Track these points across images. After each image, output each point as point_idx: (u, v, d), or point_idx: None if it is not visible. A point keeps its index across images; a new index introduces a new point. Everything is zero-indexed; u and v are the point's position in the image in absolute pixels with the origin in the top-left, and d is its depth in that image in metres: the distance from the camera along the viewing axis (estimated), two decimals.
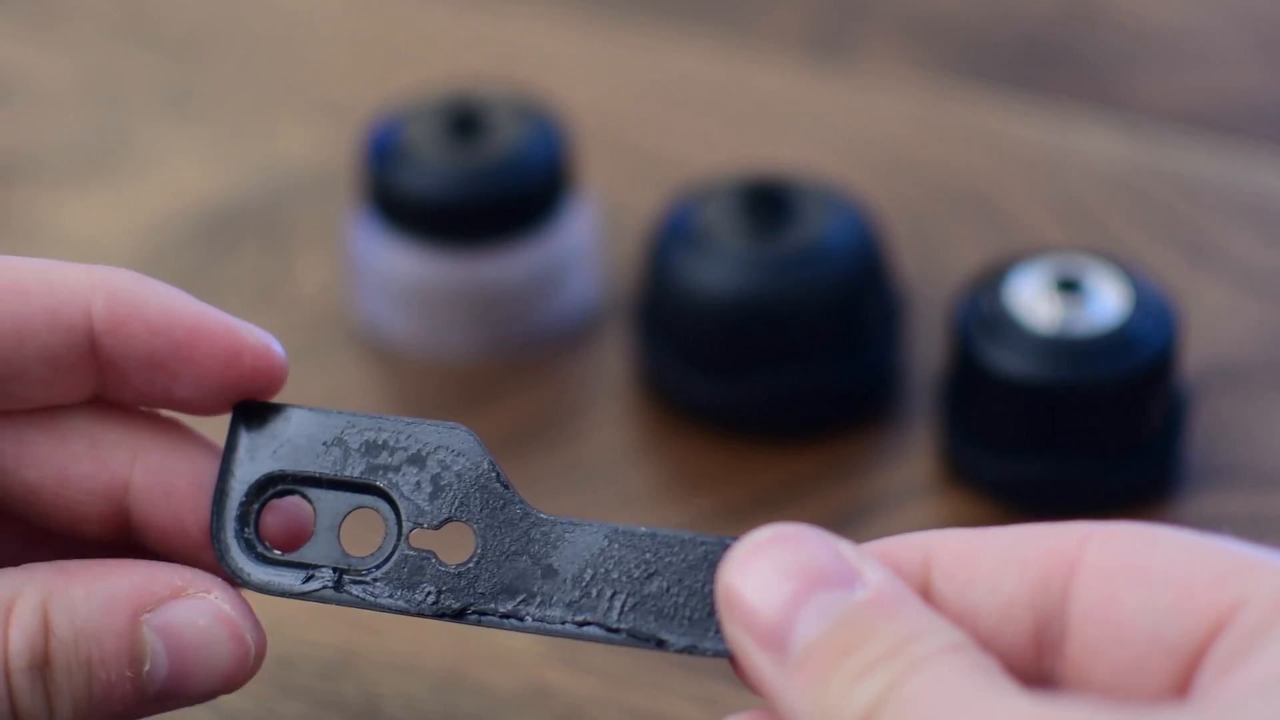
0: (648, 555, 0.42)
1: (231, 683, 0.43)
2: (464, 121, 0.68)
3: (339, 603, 0.44)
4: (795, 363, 0.64)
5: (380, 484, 0.44)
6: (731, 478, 0.63)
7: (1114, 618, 0.37)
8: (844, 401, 0.65)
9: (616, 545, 0.42)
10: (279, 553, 0.44)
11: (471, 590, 0.43)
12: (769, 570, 0.38)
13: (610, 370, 0.67)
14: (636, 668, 0.57)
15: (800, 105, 0.79)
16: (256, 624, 0.43)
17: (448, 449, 0.44)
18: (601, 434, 0.65)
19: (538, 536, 0.43)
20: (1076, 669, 0.38)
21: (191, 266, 0.72)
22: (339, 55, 0.82)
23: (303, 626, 0.57)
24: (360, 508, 0.44)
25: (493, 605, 0.43)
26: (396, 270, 0.67)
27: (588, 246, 0.69)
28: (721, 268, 0.63)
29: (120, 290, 0.43)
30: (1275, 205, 0.73)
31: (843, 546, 0.39)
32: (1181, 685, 0.37)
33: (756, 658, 0.38)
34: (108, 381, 0.44)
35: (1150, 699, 0.37)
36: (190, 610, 0.42)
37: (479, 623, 0.43)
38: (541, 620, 0.43)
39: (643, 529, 0.42)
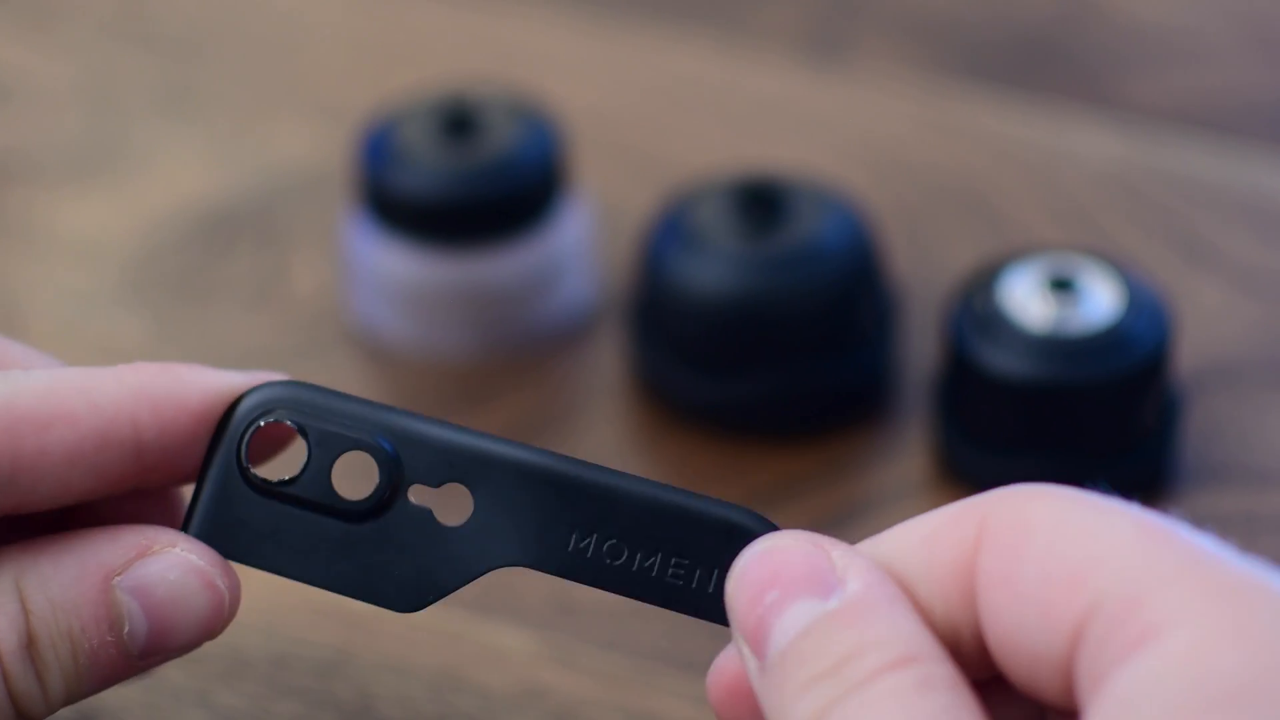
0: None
1: (211, 631, 0.43)
2: (459, 121, 0.68)
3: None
4: (790, 362, 0.64)
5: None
6: (726, 477, 0.63)
7: (1000, 634, 0.37)
8: (838, 400, 0.65)
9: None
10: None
11: None
12: (760, 578, 0.39)
13: (605, 369, 0.67)
14: (631, 668, 0.57)
15: (796, 105, 0.79)
16: (227, 569, 0.43)
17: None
18: (596, 433, 0.65)
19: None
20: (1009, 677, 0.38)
21: (188, 266, 0.72)
22: (335, 56, 0.82)
23: (298, 626, 0.57)
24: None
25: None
26: (392, 270, 0.67)
27: (582, 246, 0.69)
28: (716, 267, 0.63)
29: (159, 396, 0.43)
30: (1270, 204, 0.73)
31: (836, 554, 0.39)
32: (1071, 696, 0.37)
33: (745, 657, 0.39)
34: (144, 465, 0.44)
35: (1055, 708, 0.38)
36: (159, 566, 0.42)
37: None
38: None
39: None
